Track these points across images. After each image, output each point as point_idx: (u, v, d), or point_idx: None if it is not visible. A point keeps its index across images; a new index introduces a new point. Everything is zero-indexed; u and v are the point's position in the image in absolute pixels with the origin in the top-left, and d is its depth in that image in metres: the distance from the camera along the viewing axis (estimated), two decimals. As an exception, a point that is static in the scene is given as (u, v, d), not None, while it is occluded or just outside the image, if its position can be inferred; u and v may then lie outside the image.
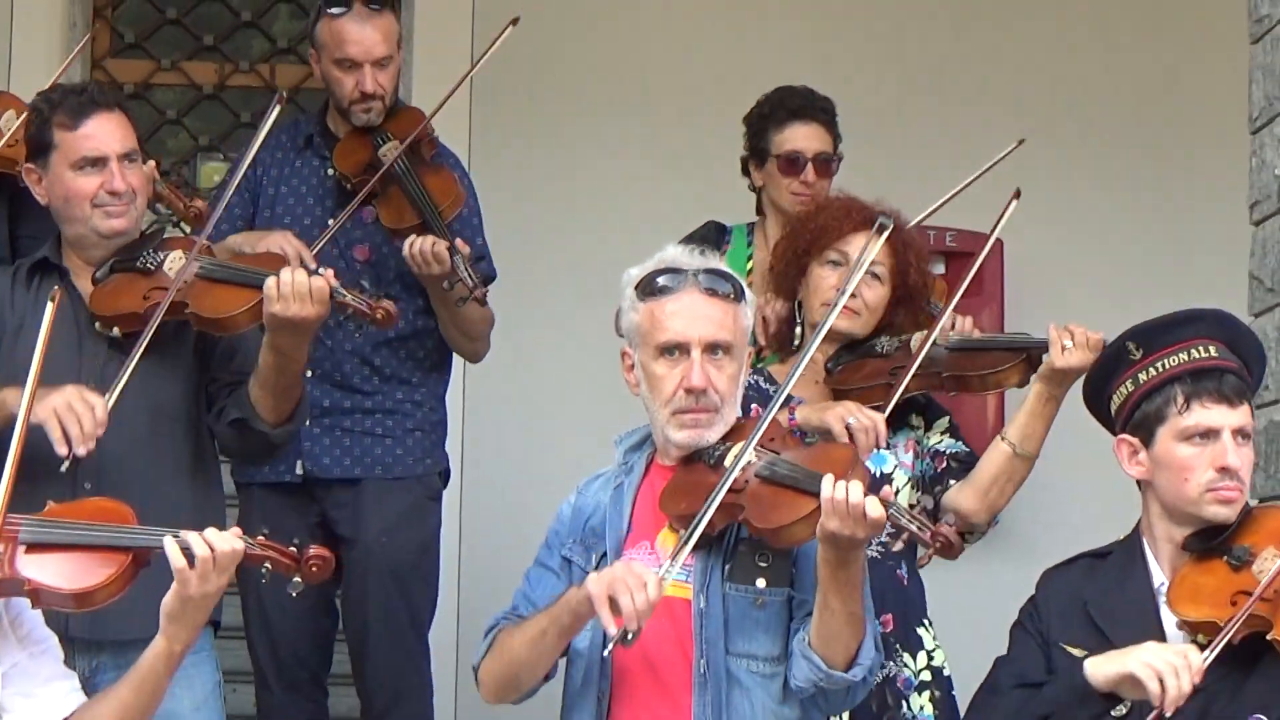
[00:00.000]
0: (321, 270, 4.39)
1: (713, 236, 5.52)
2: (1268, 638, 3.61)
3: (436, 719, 5.55)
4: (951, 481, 4.56)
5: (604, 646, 3.73)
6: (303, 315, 4.33)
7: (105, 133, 4.45)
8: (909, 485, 4.63)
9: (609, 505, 3.94)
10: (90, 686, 4.05)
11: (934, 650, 4.60)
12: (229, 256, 4.76)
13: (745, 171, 5.56)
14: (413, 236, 5.09)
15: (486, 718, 4.32)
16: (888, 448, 4.62)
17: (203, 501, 4.52)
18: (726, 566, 3.81)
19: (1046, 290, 6.68)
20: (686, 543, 3.74)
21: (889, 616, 4.55)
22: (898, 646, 4.57)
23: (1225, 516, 3.78)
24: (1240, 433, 3.81)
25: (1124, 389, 3.90)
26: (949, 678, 4.64)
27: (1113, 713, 3.69)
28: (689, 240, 5.45)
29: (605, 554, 3.87)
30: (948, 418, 4.70)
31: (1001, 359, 4.56)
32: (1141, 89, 7.09)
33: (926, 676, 4.59)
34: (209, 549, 3.68)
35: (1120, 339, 3.98)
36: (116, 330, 4.43)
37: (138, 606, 3.85)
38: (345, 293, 4.42)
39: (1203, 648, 3.66)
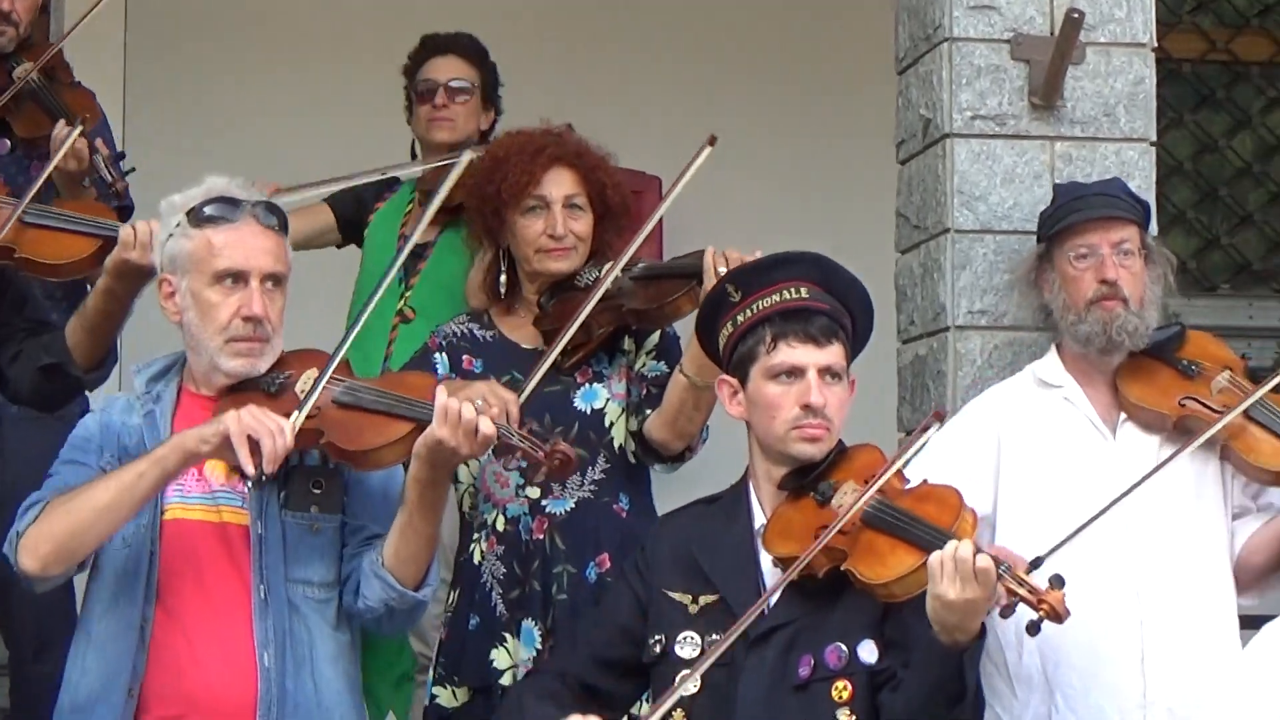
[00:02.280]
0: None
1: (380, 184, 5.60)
2: (842, 568, 3.73)
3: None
4: (648, 411, 4.59)
5: (242, 484, 3.82)
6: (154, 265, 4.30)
7: None
8: (623, 415, 4.64)
9: (144, 430, 3.94)
10: None
11: None
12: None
13: (410, 123, 5.62)
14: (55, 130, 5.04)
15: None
16: (600, 380, 4.64)
17: None
18: (282, 494, 3.87)
19: (704, 225, 6.75)
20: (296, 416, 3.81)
21: (605, 555, 4.57)
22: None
23: (810, 454, 3.86)
24: (827, 371, 3.88)
25: (726, 330, 3.96)
26: None
27: None
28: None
29: None
30: (657, 335, 4.69)
31: (674, 287, 4.56)
32: (796, 28, 7.21)
33: None
34: None
35: (720, 282, 4.04)
36: None
37: None
38: None
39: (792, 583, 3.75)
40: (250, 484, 3.74)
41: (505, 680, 4.51)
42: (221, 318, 3.89)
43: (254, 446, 3.71)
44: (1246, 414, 4.38)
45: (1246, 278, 7.71)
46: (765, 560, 3.87)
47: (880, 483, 3.79)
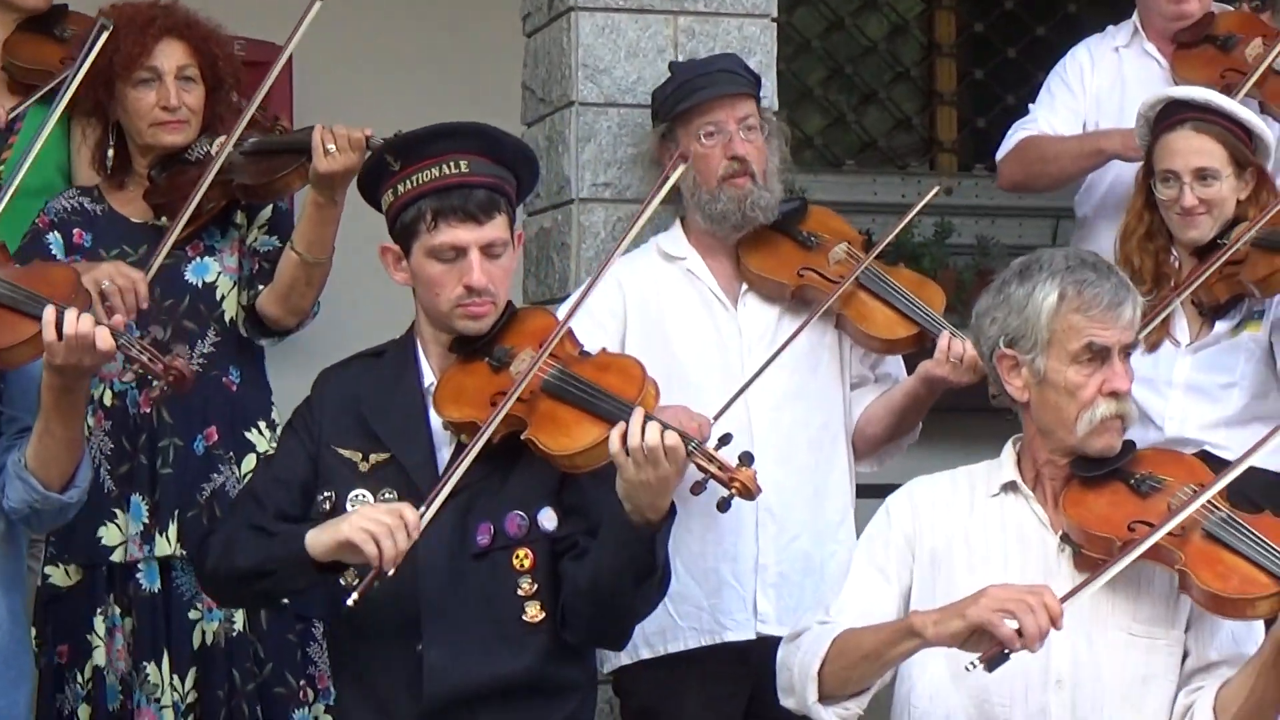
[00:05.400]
0: None
1: None
2: (522, 437, 3.71)
3: None
4: (260, 286, 4.54)
5: None
6: None
7: None
8: (234, 289, 4.59)
9: None
10: None
11: (266, 450, 4.57)
12: None
13: None
14: None
15: None
16: (211, 254, 4.59)
17: None
18: None
19: (333, 102, 6.67)
20: None
21: (213, 428, 4.54)
22: (230, 455, 4.55)
23: (475, 330, 3.82)
24: (490, 247, 3.82)
25: (387, 198, 3.89)
26: None
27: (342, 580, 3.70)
28: None
29: None
30: (270, 209, 4.64)
31: (285, 163, 4.51)
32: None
33: None
34: None
35: (381, 149, 3.98)
36: None
37: None
38: None
39: (463, 446, 3.73)
40: None
41: (116, 557, 4.47)
42: None
43: None
44: (860, 284, 4.50)
45: (872, 155, 7.87)
46: (435, 421, 3.83)
47: (551, 346, 3.75)
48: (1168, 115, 4.66)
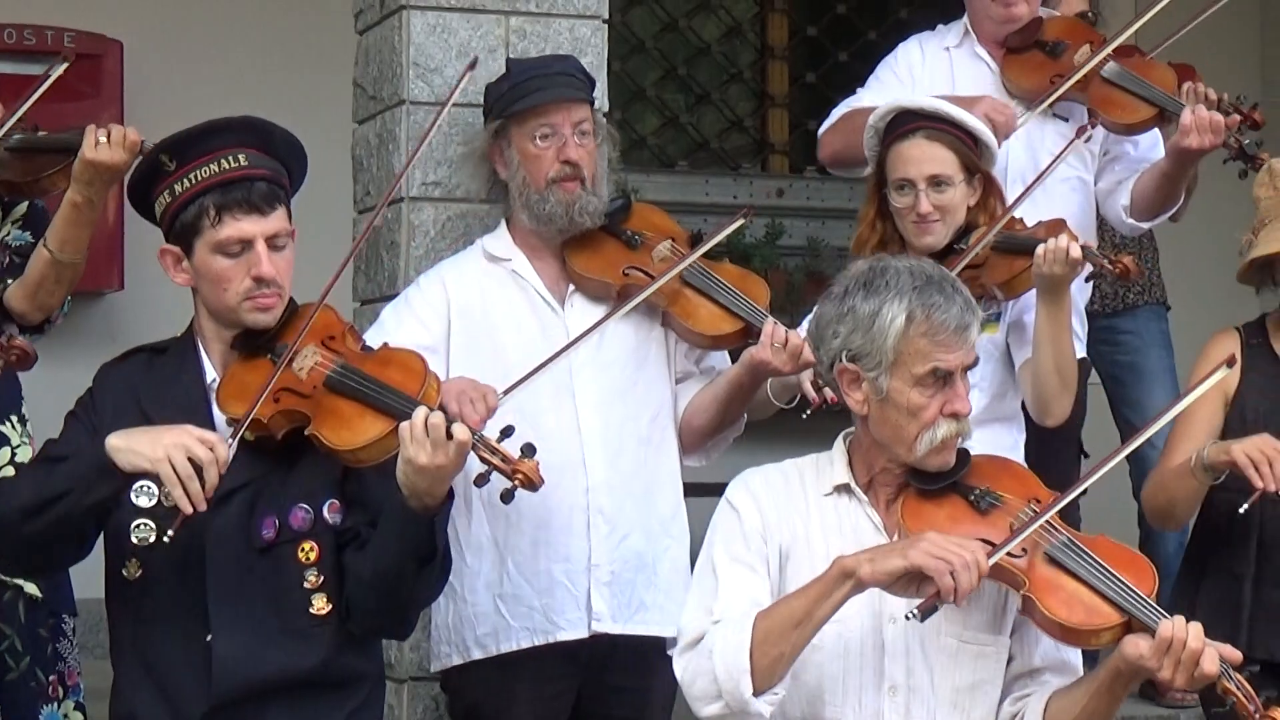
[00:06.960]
0: None
1: None
2: (306, 432, 3.74)
3: None
4: (9, 280, 4.50)
5: None
6: None
7: None
8: None
9: None
10: None
11: (19, 446, 4.55)
12: None
13: None
14: None
15: None
16: None
17: None
18: None
19: (165, 97, 6.65)
20: None
21: None
22: None
23: (265, 322, 3.84)
24: (274, 239, 3.83)
25: (163, 200, 3.87)
26: None
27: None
28: None
29: None
30: (25, 205, 4.60)
31: (51, 161, 4.46)
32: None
33: (9, 472, 4.51)
34: None
35: (155, 150, 3.94)
36: None
37: None
38: None
39: (246, 441, 3.75)
40: None
41: None
42: None
43: None
44: (685, 281, 4.54)
45: (704, 156, 7.95)
46: (219, 417, 3.82)
47: (304, 326, 3.77)
48: (898, 125, 4.74)
